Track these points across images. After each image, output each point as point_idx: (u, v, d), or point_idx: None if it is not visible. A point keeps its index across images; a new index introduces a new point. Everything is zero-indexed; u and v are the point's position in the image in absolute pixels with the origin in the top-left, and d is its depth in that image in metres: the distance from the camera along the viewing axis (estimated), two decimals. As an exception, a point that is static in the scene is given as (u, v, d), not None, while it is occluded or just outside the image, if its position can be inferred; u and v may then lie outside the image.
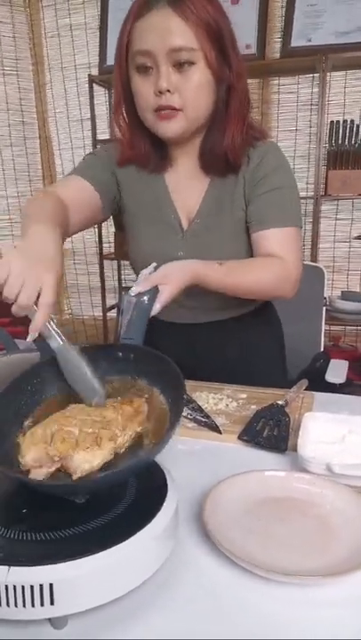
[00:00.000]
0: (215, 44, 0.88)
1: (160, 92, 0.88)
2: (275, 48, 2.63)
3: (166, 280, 0.82)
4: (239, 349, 1.14)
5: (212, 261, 0.91)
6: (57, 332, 0.67)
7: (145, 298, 0.78)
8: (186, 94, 0.89)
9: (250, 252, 1.04)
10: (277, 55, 2.61)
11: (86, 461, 0.57)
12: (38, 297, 0.63)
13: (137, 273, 1.13)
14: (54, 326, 0.67)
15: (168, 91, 0.88)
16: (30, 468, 0.58)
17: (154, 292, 0.80)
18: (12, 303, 0.62)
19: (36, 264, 0.64)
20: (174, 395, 0.65)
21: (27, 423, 0.66)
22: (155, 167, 1.04)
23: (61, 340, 0.68)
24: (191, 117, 0.92)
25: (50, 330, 0.67)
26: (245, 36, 2.51)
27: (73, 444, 0.58)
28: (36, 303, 0.62)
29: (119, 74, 0.94)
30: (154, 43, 0.86)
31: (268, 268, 0.97)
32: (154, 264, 0.87)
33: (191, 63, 0.87)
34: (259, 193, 1.00)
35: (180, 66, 0.87)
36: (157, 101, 0.90)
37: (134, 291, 0.79)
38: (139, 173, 1.06)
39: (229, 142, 0.96)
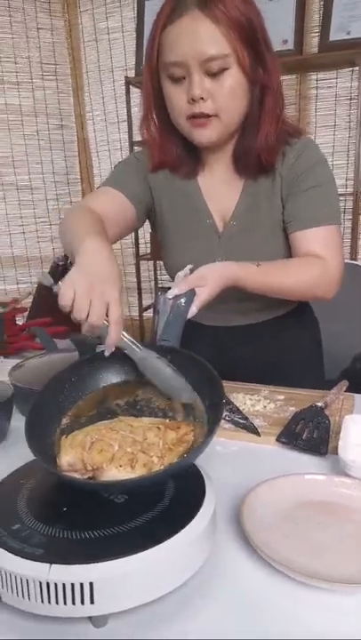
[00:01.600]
0: (248, 44, 0.87)
1: (193, 100, 0.88)
2: (312, 42, 2.58)
3: (203, 282, 0.81)
4: (273, 352, 1.12)
5: (250, 262, 0.90)
6: (133, 342, 0.69)
7: (182, 300, 0.78)
8: (220, 100, 0.88)
9: (288, 254, 1.02)
10: (315, 50, 2.56)
11: (116, 479, 0.57)
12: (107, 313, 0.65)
13: (173, 278, 1.13)
14: (129, 337, 0.69)
15: (201, 98, 0.87)
16: (65, 470, 0.58)
17: (191, 294, 0.79)
18: (80, 322, 0.65)
19: (99, 282, 0.66)
20: (213, 399, 0.65)
21: (65, 421, 0.67)
22: (187, 171, 1.04)
23: (139, 348, 0.69)
24: (226, 122, 0.92)
25: (126, 341, 0.69)
26: (282, 32, 2.48)
27: (109, 458, 0.58)
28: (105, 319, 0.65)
29: (150, 79, 0.94)
30: (185, 53, 0.85)
31: (308, 268, 0.95)
32: (190, 266, 0.87)
33: (224, 69, 0.86)
34: (297, 191, 0.98)
35: (212, 73, 0.86)
36: (191, 109, 0.89)
37: (171, 293, 0.79)
38: (171, 178, 1.06)
39: (263, 142, 0.95)
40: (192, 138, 0.94)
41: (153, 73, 0.93)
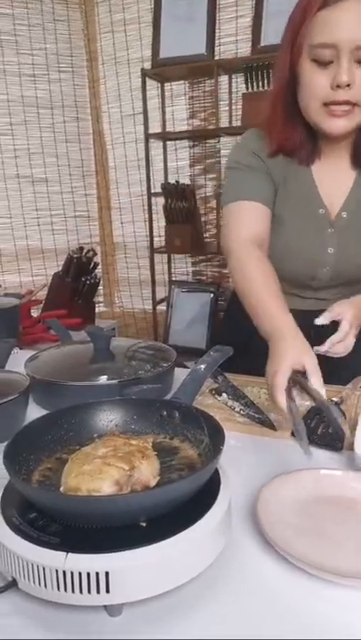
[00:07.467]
0: None
1: (338, 87, 0.85)
2: None
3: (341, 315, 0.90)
4: None
5: None
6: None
7: (201, 366, 0.78)
8: None
9: None
10: None
11: (151, 469, 0.57)
12: None
13: (280, 268, 0.98)
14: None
15: (347, 85, 0.85)
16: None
17: (213, 363, 0.79)
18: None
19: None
20: (213, 439, 0.61)
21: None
22: (305, 158, 1.02)
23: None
24: None
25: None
26: None
27: (130, 458, 0.56)
28: None
29: (288, 61, 0.91)
30: (340, 38, 0.82)
31: None
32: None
33: None
34: None
35: None
36: (332, 95, 0.87)
37: (319, 321, 0.91)
38: (287, 164, 1.03)
39: None
40: (322, 126, 0.92)
41: (294, 55, 0.89)
